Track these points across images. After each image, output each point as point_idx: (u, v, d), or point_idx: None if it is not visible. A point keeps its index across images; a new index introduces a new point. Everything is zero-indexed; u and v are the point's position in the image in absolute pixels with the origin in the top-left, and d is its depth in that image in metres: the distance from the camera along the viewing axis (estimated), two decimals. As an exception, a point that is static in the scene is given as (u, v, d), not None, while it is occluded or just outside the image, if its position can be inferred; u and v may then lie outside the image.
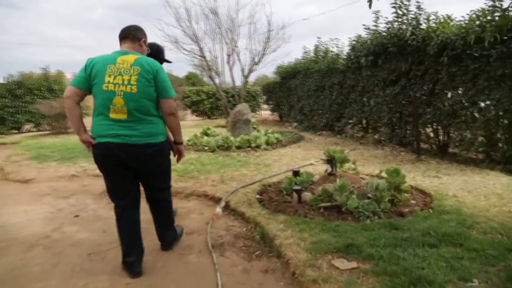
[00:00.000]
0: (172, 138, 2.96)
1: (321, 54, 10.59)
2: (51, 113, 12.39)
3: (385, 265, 2.55)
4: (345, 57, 8.87)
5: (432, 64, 6.07)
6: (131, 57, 2.61)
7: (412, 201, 3.91)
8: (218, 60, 12.18)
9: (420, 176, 4.92)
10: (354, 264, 2.63)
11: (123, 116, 2.55)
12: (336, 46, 9.72)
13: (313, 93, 10.51)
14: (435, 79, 6.12)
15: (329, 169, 4.16)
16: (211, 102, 17.40)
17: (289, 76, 12.36)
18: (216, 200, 4.47)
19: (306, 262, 2.67)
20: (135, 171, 2.72)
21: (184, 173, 5.71)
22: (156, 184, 2.93)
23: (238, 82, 14.51)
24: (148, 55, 2.91)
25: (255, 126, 9.38)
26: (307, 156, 6.68)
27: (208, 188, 4.82)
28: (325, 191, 3.69)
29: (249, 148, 7.25)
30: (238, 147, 7.26)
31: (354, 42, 8.27)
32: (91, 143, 2.65)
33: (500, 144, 5.26)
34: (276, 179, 5.04)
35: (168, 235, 3.17)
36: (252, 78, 31.53)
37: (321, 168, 5.51)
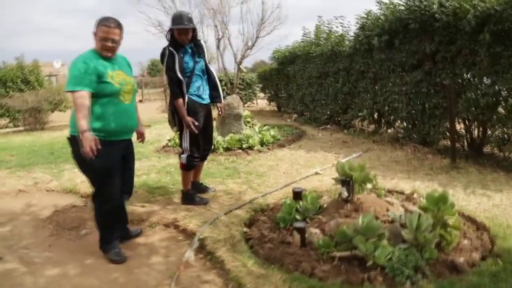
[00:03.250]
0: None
1: (323, 35, 9.27)
2: (24, 108, 11.12)
3: None
4: (352, 38, 7.56)
5: (466, 43, 4.80)
6: None
7: (464, 242, 2.72)
8: (208, 44, 10.87)
9: (462, 193, 3.71)
10: None
11: None
12: (341, 26, 8.40)
13: (315, 81, 9.22)
14: (470, 62, 4.87)
15: (345, 194, 2.95)
16: (203, 91, 16.08)
17: (287, 61, 11.02)
18: (189, 234, 3.28)
19: None
20: None
21: (156, 187, 4.51)
22: None
23: (233, 69, 13.23)
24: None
25: (249, 119, 8.14)
26: (310, 161, 5.46)
27: (181, 214, 3.62)
28: (343, 233, 2.49)
29: (240, 150, 6.02)
30: (227, 149, 6.04)
31: (363, 20, 6.96)
32: None
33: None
34: (271, 199, 3.84)
35: None
36: (249, 63, 30.15)
37: (328, 180, 4.31)
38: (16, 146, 8.19)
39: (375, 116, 7.37)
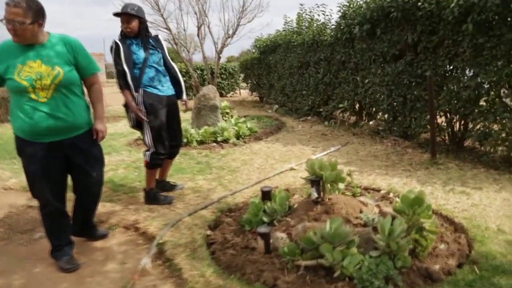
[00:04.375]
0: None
1: (304, 24, 8.99)
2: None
3: None
4: (333, 26, 7.31)
5: (449, 33, 4.60)
6: None
7: (441, 246, 2.54)
8: (189, 33, 10.48)
9: (441, 191, 3.54)
10: None
11: None
12: (323, 14, 8.14)
13: (296, 71, 8.97)
14: (452, 53, 4.68)
15: (314, 195, 2.74)
16: (184, 81, 15.67)
17: (268, 50, 10.73)
18: (149, 238, 3.03)
19: None
20: None
21: (121, 184, 4.24)
22: None
23: (214, 58, 12.87)
24: None
25: (227, 110, 7.86)
26: (286, 155, 5.24)
27: (143, 215, 3.36)
28: (309, 240, 2.27)
29: (214, 144, 5.76)
30: (201, 142, 5.76)
31: (345, 8, 6.71)
32: None
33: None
34: (241, 198, 3.61)
35: None
36: (236, 52, 29.71)
37: (303, 176, 4.09)
38: (-18, 139, 7.74)
39: (356, 107, 7.18)
